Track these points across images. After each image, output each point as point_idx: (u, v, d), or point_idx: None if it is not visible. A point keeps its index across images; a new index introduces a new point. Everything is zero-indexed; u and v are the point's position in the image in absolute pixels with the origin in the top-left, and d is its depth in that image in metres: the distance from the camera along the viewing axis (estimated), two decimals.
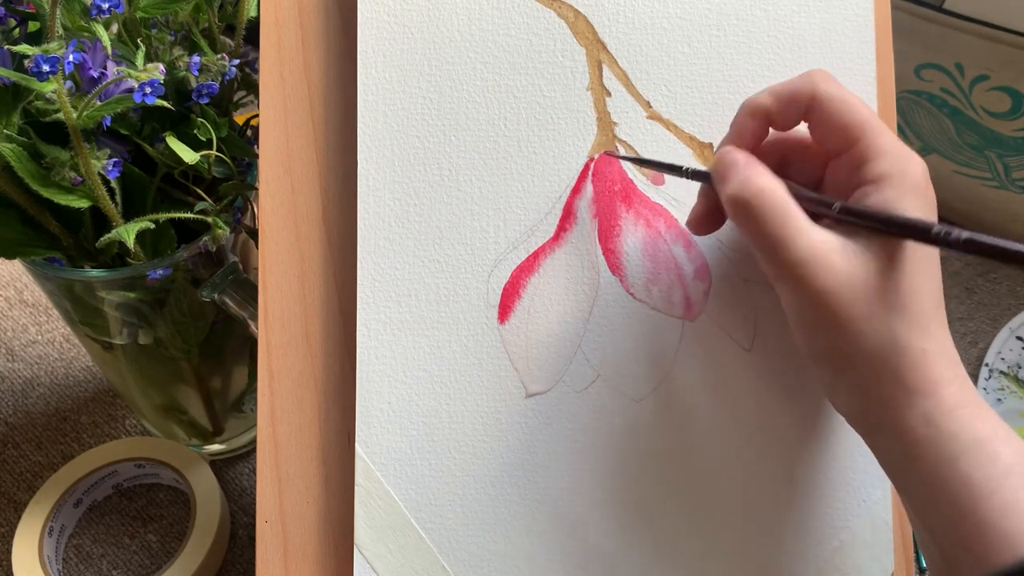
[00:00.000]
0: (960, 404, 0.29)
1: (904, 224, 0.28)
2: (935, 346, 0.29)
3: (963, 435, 0.28)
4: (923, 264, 0.29)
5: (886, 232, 0.29)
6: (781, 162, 0.34)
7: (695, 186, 0.36)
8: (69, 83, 0.36)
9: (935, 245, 0.28)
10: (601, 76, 0.36)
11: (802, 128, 0.33)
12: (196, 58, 0.39)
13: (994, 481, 0.27)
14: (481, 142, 0.36)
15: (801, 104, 0.31)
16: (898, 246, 0.29)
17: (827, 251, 0.29)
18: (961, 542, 0.28)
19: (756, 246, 0.30)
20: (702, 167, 0.36)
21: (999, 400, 0.58)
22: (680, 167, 0.34)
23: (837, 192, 0.31)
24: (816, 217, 0.30)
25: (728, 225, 0.36)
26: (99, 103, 0.37)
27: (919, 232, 0.28)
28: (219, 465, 0.55)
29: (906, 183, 0.29)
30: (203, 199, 0.42)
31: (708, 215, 0.34)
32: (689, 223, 0.35)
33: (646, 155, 0.36)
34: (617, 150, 0.36)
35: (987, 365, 0.60)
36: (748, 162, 0.31)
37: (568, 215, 0.36)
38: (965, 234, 0.27)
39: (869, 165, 0.30)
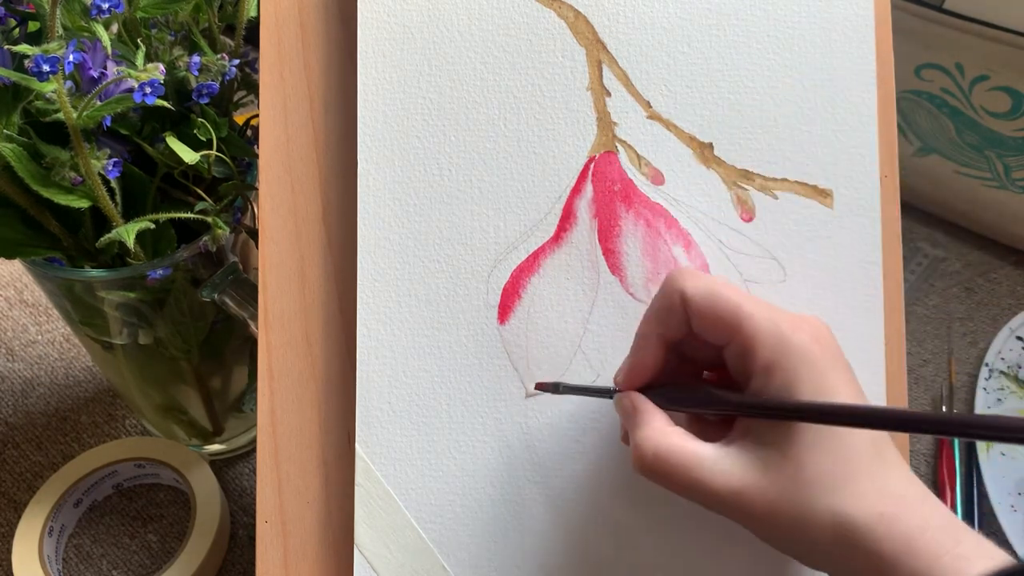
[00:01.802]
0: (940, 552, 0.28)
1: (796, 411, 0.29)
2: (889, 503, 0.28)
3: None
4: (836, 430, 0.29)
5: (787, 419, 0.29)
6: (680, 350, 0.33)
7: (695, 186, 0.37)
8: (69, 83, 0.36)
9: (833, 424, 0.29)
10: (601, 76, 0.36)
11: None
12: (196, 58, 0.39)
13: None
14: (481, 142, 0.36)
15: (678, 311, 0.31)
16: (805, 427, 0.29)
17: (743, 476, 0.29)
18: None
19: (681, 496, 0.31)
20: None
21: (999, 400, 0.58)
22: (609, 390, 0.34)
23: (736, 375, 0.31)
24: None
25: (729, 226, 0.37)
26: (99, 103, 0.37)
27: (819, 414, 0.29)
28: (219, 465, 0.55)
29: (793, 363, 0.29)
30: (203, 199, 0.42)
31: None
32: (623, 438, 0.35)
33: (646, 154, 0.36)
34: (617, 150, 0.36)
35: (987, 365, 0.60)
36: (636, 412, 0.32)
37: (568, 215, 0.36)
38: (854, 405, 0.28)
39: (753, 355, 0.30)
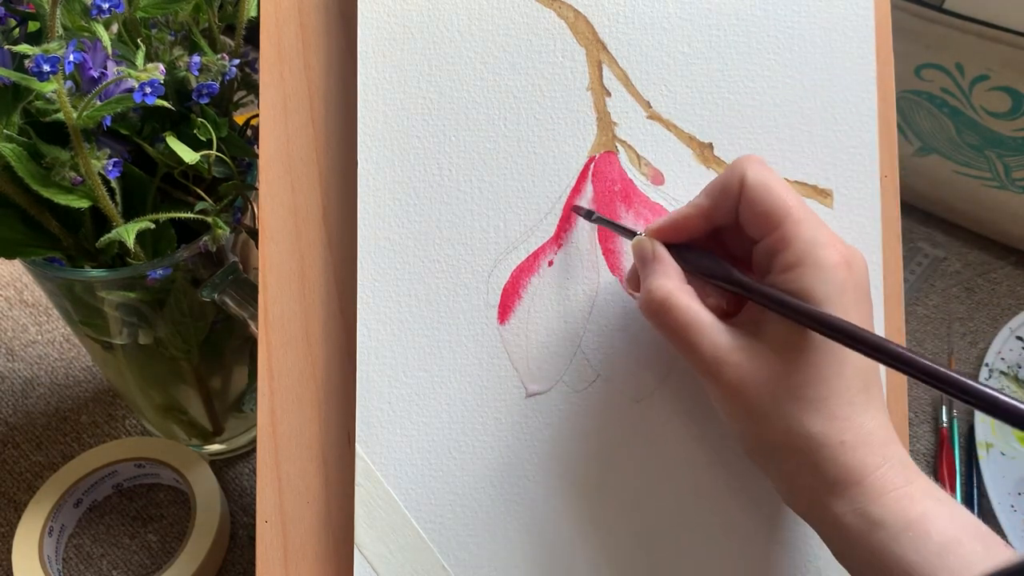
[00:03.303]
0: (888, 488, 0.29)
1: (807, 314, 0.29)
2: (855, 435, 0.29)
3: (891, 520, 0.28)
4: (835, 351, 0.29)
5: (795, 320, 0.29)
6: (715, 234, 0.33)
7: (695, 186, 0.36)
8: (69, 83, 0.36)
9: (833, 339, 0.28)
10: (601, 76, 0.36)
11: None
12: (196, 58, 0.39)
13: (930, 561, 0.27)
14: (481, 142, 0.36)
15: (734, 193, 0.31)
16: (805, 336, 0.29)
17: (730, 351, 0.30)
18: None
19: (670, 344, 0.32)
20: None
21: None
22: (633, 232, 0.34)
23: (760, 274, 0.32)
24: (738, 299, 0.32)
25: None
26: (99, 103, 0.37)
27: (820, 323, 0.28)
28: (219, 465, 0.55)
29: (815, 274, 0.29)
30: (203, 199, 0.42)
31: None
32: (628, 280, 0.36)
33: (646, 154, 0.36)
34: (617, 150, 0.36)
35: (987, 365, 0.60)
36: (656, 260, 0.33)
37: (568, 215, 0.36)
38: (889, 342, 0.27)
39: (782, 255, 0.30)
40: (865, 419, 0.29)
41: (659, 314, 0.32)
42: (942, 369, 0.26)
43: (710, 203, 0.32)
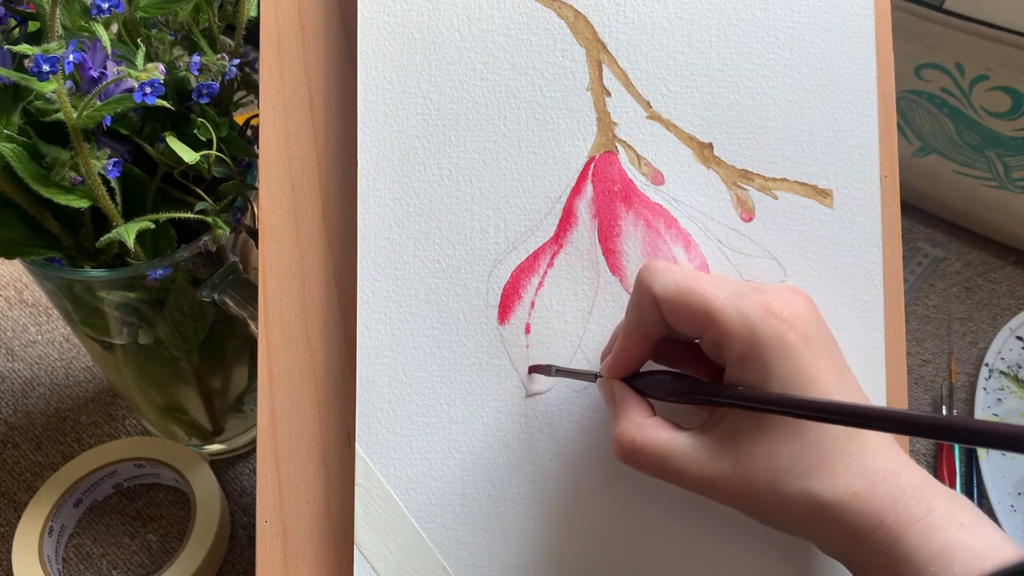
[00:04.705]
0: (910, 522, 0.29)
1: (776, 403, 0.29)
2: (863, 482, 0.29)
3: (916, 556, 0.28)
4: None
5: (767, 411, 0.29)
6: (668, 340, 0.33)
7: (695, 186, 0.37)
8: (69, 83, 0.36)
9: (801, 417, 0.29)
10: (601, 76, 0.36)
11: None
12: (196, 58, 0.39)
13: None
14: (481, 142, 0.36)
15: (652, 310, 0.31)
16: (774, 417, 0.30)
17: (716, 465, 0.30)
18: None
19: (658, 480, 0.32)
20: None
21: (999, 400, 0.58)
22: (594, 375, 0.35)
23: (716, 360, 0.32)
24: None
25: (729, 226, 0.37)
26: (99, 103, 0.37)
27: (787, 407, 0.29)
28: (219, 465, 0.55)
29: (767, 355, 0.29)
30: (203, 199, 0.42)
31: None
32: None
33: (646, 154, 0.36)
34: (617, 150, 0.36)
35: (987, 365, 0.60)
36: (616, 403, 0.33)
37: (568, 215, 0.36)
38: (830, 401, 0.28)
39: (727, 348, 0.30)
40: (866, 461, 0.29)
41: (631, 458, 0.32)
42: (926, 416, 0.26)
43: (639, 324, 0.32)
